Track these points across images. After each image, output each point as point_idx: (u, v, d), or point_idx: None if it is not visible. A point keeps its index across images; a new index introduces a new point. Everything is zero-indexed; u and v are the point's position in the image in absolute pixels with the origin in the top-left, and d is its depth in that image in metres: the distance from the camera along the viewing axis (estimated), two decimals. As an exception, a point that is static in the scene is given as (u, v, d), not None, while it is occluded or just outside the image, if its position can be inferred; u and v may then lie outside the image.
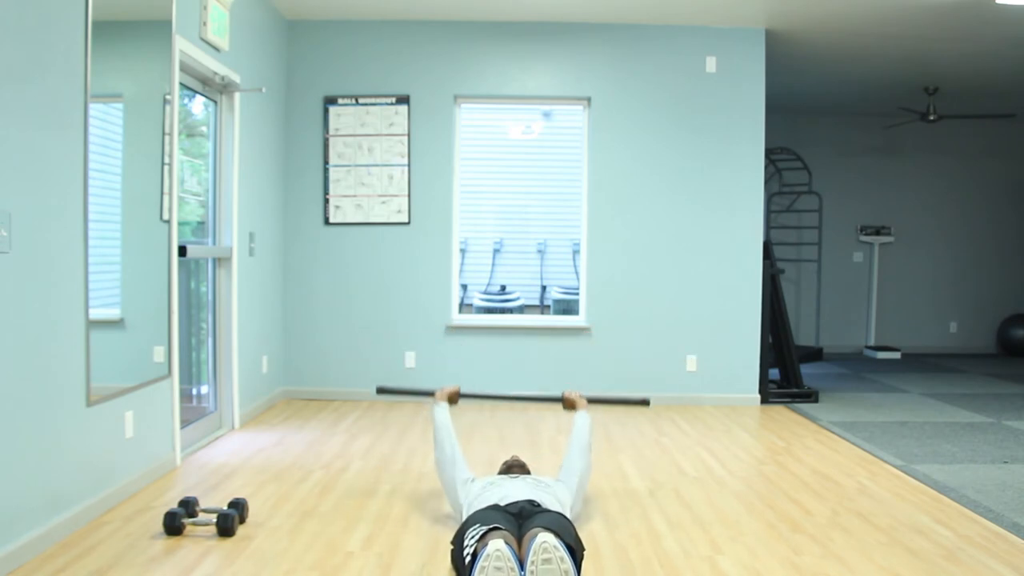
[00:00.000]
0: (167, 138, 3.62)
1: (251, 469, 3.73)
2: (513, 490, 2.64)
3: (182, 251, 3.79)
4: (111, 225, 3.28)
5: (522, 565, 2.13)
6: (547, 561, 2.11)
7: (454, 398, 3.31)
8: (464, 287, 5.96)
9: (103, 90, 3.06)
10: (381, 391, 3.39)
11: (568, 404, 3.35)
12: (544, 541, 2.12)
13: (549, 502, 2.60)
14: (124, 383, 3.27)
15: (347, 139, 5.48)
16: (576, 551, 2.32)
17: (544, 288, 6.11)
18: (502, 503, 2.55)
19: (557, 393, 3.47)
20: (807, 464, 3.96)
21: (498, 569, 2.08)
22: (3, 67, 2.45)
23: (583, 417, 3.21)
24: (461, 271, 5.82)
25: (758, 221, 5.56)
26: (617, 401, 3.57)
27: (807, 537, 2.91)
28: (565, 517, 2.49)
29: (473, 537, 2.31)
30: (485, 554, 2.11)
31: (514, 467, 3.10)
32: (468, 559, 2.25)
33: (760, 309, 5.56)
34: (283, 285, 5.51)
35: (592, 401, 3.39)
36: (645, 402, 3.47)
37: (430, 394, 3.34)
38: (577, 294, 5.79)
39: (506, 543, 2.14)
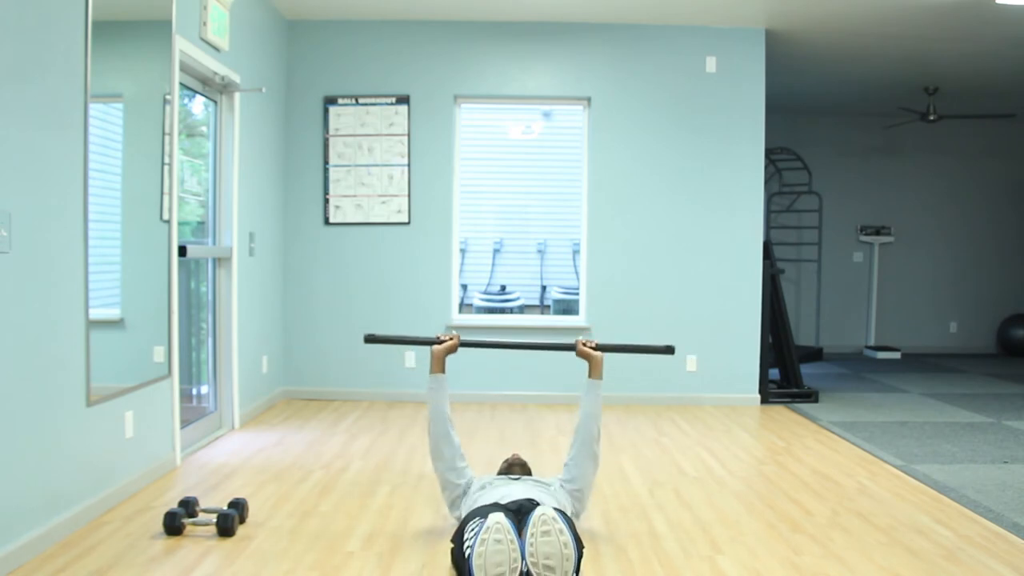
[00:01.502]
0: (167, 138, 3.62)
1: (251, 469, 3.73)
2: (512, 491, 2.63)
3: (182, 251, 3.79)
4: (111, 225, 3.28)
5: (521, 539, 2.14)
6: (546, 533, 2.11)
7: (453, 349, 2.97)
8: (464, 287, 5.96)
9: (103, 90, 3.06)
10: (370, 340, 3.02)
11: (581, 354, 2.97)
12: (543, 513, 2.13)
13: (549, 502, 2.59)
14: (124, 383, 3.27)
15: (347, 139, 5.48)
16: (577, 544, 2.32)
17: (544, 288, 6.11)
18: (502, 501, 2.55)
19: (570, 345, 3.04)
20: (807, 464, 3.96)
21: (498, 541, 2.09)
22: (3, 67, 2.45)
23: (592, 397, 2.90)
24: (461, 271, 5.82)
25: (758, 221, 5.56)
26: (639, 349, 3.09)
27: (807, 537, 2.91)
28: (564, 513, 2.48)
29: (473, 531, 2.30)
30: (485, 526, 2.12)
31: (515, 466, 3.07)
32: (468, 552, 2.25)
33: (760, 309, 5.56)
34: (283, 285, 5.51)
35: (609, 349, 3.00)
36: (670, 349, 3.03)
37: (426, 343, 2.98)
38: (577, 294, 5.79)
39: (506, 517, 2.15)
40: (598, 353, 2.95)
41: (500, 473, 3.05)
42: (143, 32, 3.46)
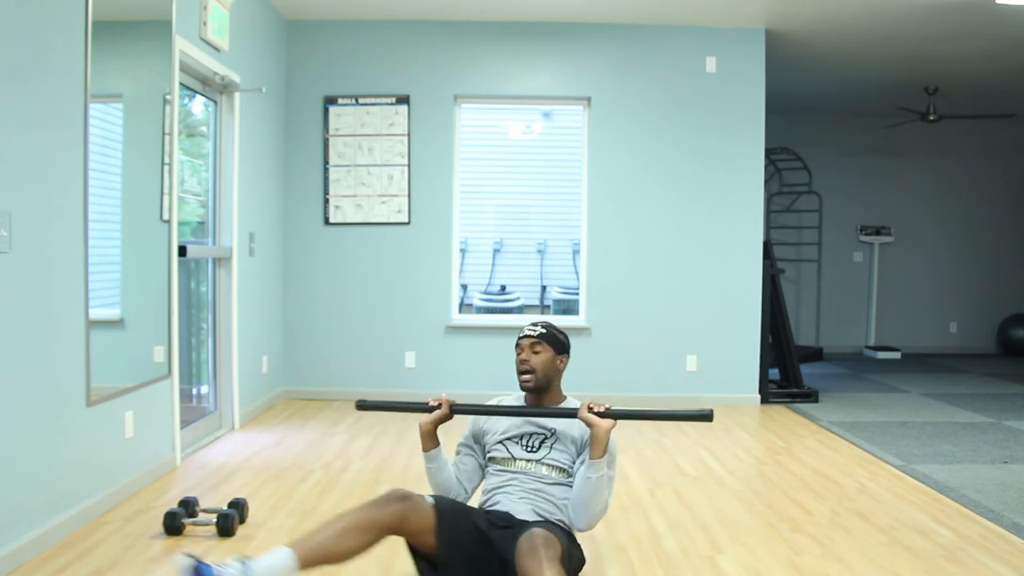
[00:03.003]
0: (167, 138, 3.62)
1: (251, 469, 3.73)
2: (513, 496, 2.35)
3: (182, 251, 3.79)
4: (111, 225, 3.28)
5: None
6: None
7: (442, 418, 2.38)
8: (464, 287, 5.96)
9: (103, 90, 3.06)
10: (362, 407, 2.54)
11: (584, 420, 2.24)
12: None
13: (548, 510, 2.32)
14: (124, 383, 3.27)
15: (347, 139, 5.48)
16: (565, 564, 2.06)
17: (544, 288, 6.11)
18: (497, 519, 2.28)
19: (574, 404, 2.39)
20: (807, 464, 3.96)
21: None
22: (3, 67, 2.45)
23: (585, 483, 2.22)
24: (461, 271, 5.82)
25: (758, 221, 5.56)
26: (667, 415, 2.52)
27: (807, 537, 2.91)
28: (556, 529, 2.22)
29: None
30: None
31: (526, 379, 2.37)
32: None
33: (760, 309, 5.56)
34: (283, 285, 5.51)
35: (626, 416, 2.27)
36: (707, 416, 2.26)
37: (417, 409, 2.45)
38: (577, 294, 5.78)
39: None
40: (605, 422, 2.19)
41: (520, 370, 2.40)
42: (143, 32, 3.46)
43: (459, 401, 2.41)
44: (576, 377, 5.46)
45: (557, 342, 2.40)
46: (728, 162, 5.53)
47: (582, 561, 2.33)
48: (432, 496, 2.22)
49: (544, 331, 2.39)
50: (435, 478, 2.43)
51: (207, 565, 1.92)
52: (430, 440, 2.40)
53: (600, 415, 2.21)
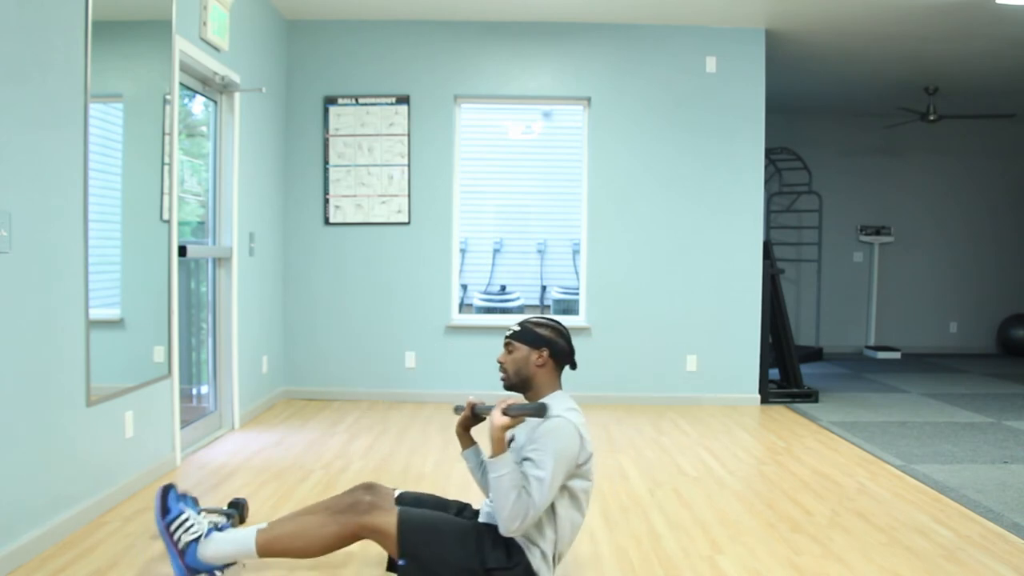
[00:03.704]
0: (167, 138, 3.62)
1: (251, 469, 3.73)
2: (487, 506, 2.37)
3: (182, 251, 3.79)
4: (111, 225, 3.28)
5: None
6: None
7: (467, 420, 2.43)
8: (464, 287, 5.96)
9: (103, 90, 3.06)
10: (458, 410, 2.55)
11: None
12: None
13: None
14: (124, 383, 3.27)
15: (347, 139, 5.48)
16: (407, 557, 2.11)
17: (544, 288, 6.11)
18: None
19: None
20: (807, 464, 3.96)
21: None
22: (3, 67, 2.45)
23: (488, 481, 2.18)
24: (461, 271, 5.82)
25: (758, 221, 5.56)
26: (521, 412, 2.20)
27: (807, 537, 2.91)
28: (490, 529, 2.22)
29: None
30: None
31: (501, 375, 2.37)
32: None
33: (760, 309, 5.56)
34: (283, 285, 5.51)
35: (515, 415, 2.17)
36: (539, 412, 2.17)
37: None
38: (577, 294, 5.79)
39: None
40: (500, 420, 2.15)
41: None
42: (143, 32, 3.46)
43: (464, 399, 2.50)
44: (576, 377, 5.48)
45: (531, 337, 2.30)
46: (728, 162, 5.53)
47: (512, 569, 2.16)
48: (398, 491, 2.44)
49: (517, 329, 2.33)
50: (473, 478, 2.54)
51: (181, 497, 2.26)
52: (461, 441, 2.48)
53: (504, 412, 2.16)
